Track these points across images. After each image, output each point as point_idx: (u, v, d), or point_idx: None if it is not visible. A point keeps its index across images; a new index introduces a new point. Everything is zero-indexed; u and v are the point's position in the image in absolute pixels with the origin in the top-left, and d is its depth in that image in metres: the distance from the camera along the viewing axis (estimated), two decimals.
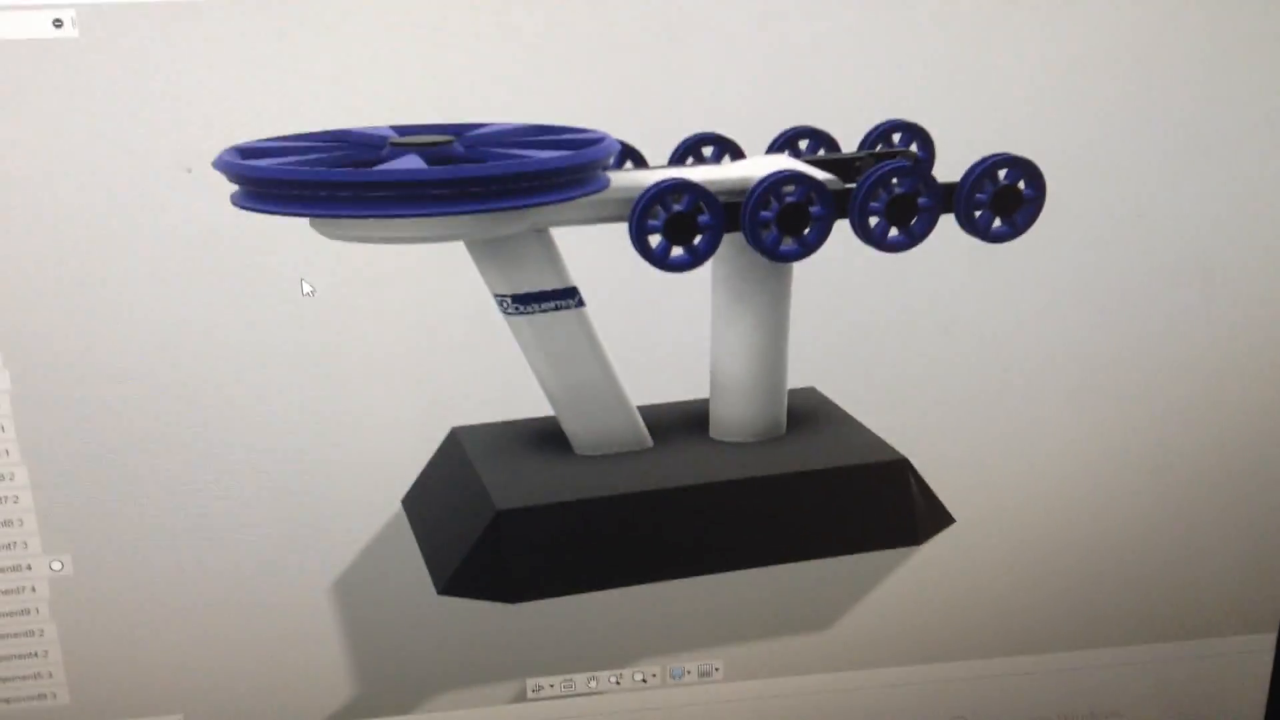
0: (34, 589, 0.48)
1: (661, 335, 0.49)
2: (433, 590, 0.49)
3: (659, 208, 0.45)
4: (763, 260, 0.47)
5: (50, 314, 0.44)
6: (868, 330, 0.50)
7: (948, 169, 0.47)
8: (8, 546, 0.47)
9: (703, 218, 0.45)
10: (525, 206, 0.43)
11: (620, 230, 0.45)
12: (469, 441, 0.49)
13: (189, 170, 0.43)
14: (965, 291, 0.50)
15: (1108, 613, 0.56)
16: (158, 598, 0.49)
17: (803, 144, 0.48)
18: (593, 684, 0.53)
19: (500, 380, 0.48)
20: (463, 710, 0.53)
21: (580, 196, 0.44)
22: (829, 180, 0.46)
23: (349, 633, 0.51)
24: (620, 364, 0.49)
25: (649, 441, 0.50)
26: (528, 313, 0.47)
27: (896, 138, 0.48)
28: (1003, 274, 0.50)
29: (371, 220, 0.43)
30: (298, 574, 0.49)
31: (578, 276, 0.47)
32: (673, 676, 0.54)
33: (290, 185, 0.41)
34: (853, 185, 0.46)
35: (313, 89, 0.43)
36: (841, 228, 0.47)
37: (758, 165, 0.47)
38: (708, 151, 0.48)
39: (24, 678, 0.49)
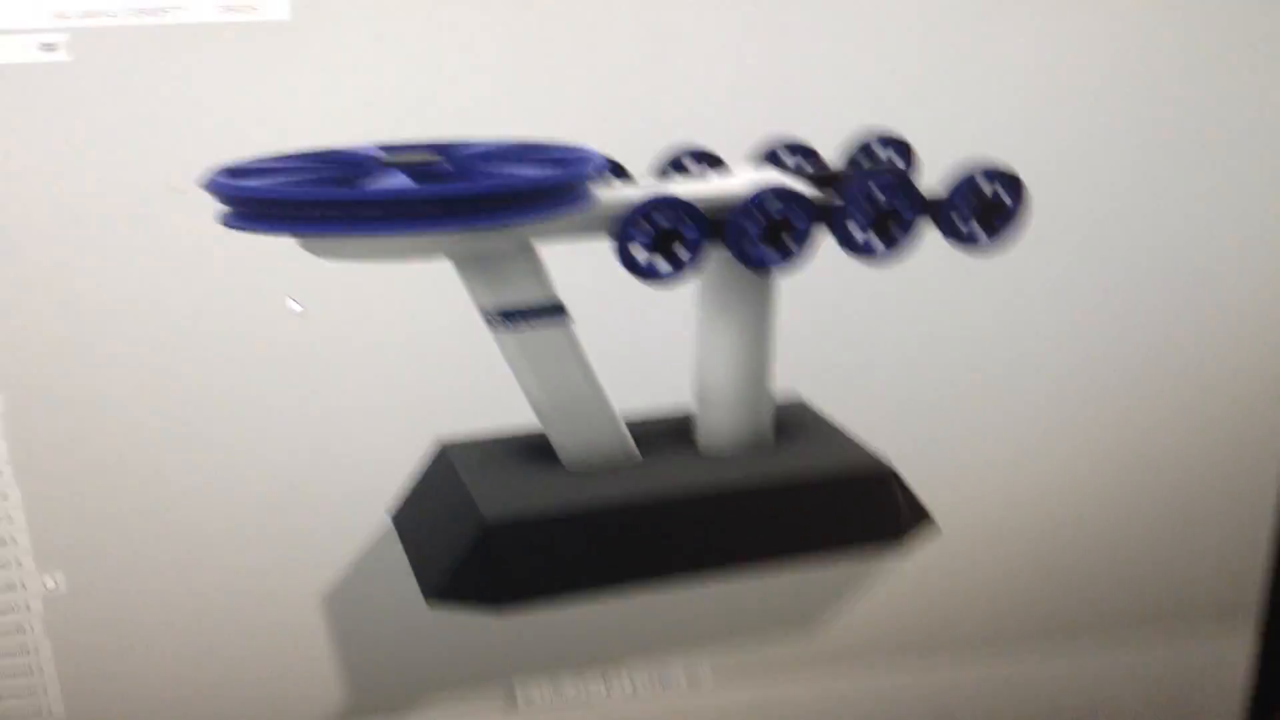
0: (29, 607, 0.48)
1: (650, 346, 0.50)
2: (421, 599, 0.50)
3: (645, 223, 0.45)
4: (747, 272, 0.48)
5: (42, 334, 0.45)
6: (852, 337, 0.51)
7: (930, 175, 0.48)
8: (2, 565, 0.48)
9: (687, 232, 0.46)
10: (514, 224, 0.44)
11: (607, 243, 0.46)
12: (456, 454, 0.49)
13: (178, 191, 0.43)
14: (946, 296, 0.51)
15: (1090, 610, 0.57)
16: (150, 614, 0.49)
17: (785, 155, 0.49)
18: (581, 691, 0.54)
19: (487, 393, 0.48)
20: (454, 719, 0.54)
21: (567, 213, 0.44)
22: (813, 194, 0.47)
23: (340, 644, 0.51)
24: (608, 376, 0.49)
25: (638, 457, 0.51)
26: (514, 329, 0.47)
27: (878, 148, 0.49)
28: (983, 278, 0.51)
29: (361, 239, 0.43)
30: (289, 587, 0.50)
31: (564, 290, 0.47)
32: (661, 682, 0.54)
33: (279, 205, 0.42)
34: (837, 199, 0.47)
35: (300, 109, 0.43)
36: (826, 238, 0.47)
37: (741, 178, 0.47)
38: (690, 163, 0.48)
39: (18, 696, 0.50)
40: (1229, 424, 0.54)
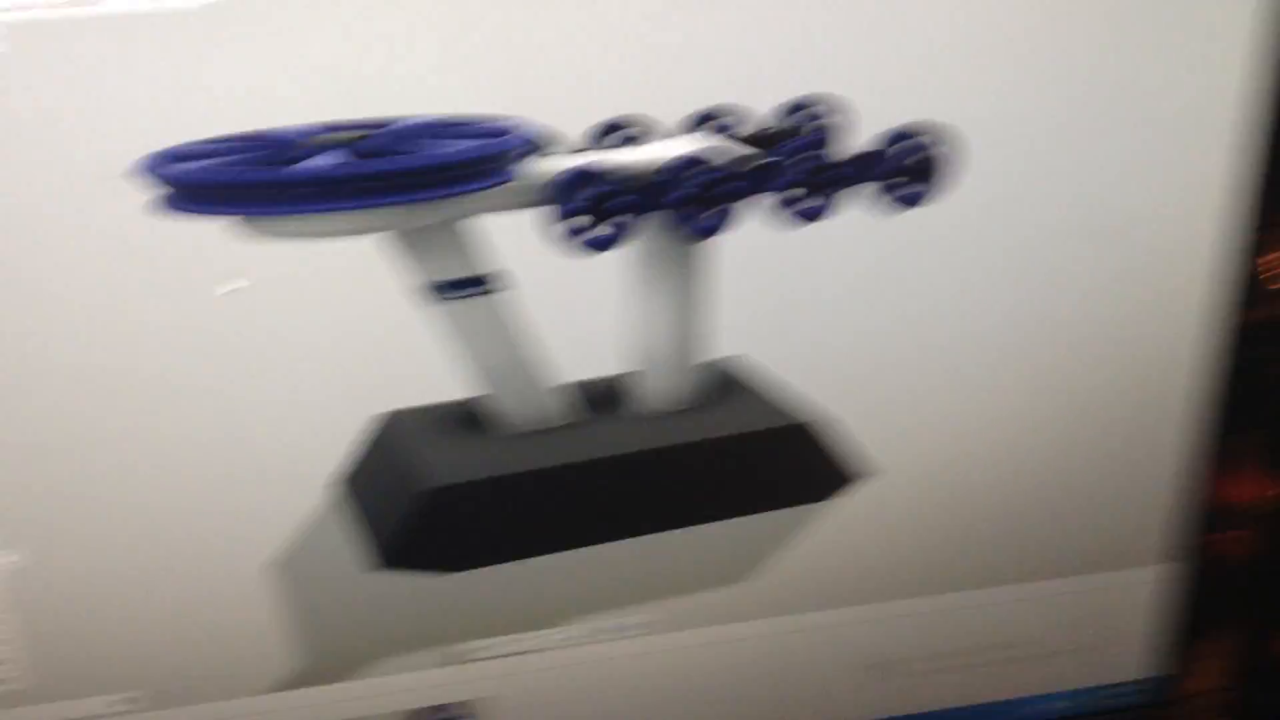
0: None
1: (590, 312, 0.50)
2: (368, 565, 0.51)
3: (576, 192, 0.46)
4: (676, 236, 0.49)
5: None
6: (790, 298, 0.52)
7: (863, 134, 0.49)
8: None
9: (619, 200, 0.47)
10: (444, 197, 0.45)
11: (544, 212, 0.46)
12: (397, 422, 0.50)
13: (114, 177, 0.44)
14: (879, 256, 0.52)
15: (1009, 553, 0.59)
16: (108, 585, 0.50)
17: (716, 121, 0.49)
18: (525, 643, 0.56)
19: (428, 363, 0.49)
20: (405, 675, 0.55)
21: (498, 185, 0.45)
22: (744, 156, 0.48)
23: (290, 606, 0.52)
24: (552, 343, 0.50)
25: (574, 417, 0.52)
26: (448, 299, 0.48)
27: (809, 110, 0.50)
28: (911, 235, 0.51)
29: (296, 219, 0.44)
30: (240, 556, 0.51)
31: (507, 260, 0.48)
32: (603, 632, 0.57)
33: (215, 188, 0.42)
34: (769, 159, 0.48)
35: (236, 93, 0.44)
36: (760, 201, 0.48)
37: (672, 145, 0.48)
38: (622, 132, 0.49)
39: None
40: (1143, 374, 0.56)
